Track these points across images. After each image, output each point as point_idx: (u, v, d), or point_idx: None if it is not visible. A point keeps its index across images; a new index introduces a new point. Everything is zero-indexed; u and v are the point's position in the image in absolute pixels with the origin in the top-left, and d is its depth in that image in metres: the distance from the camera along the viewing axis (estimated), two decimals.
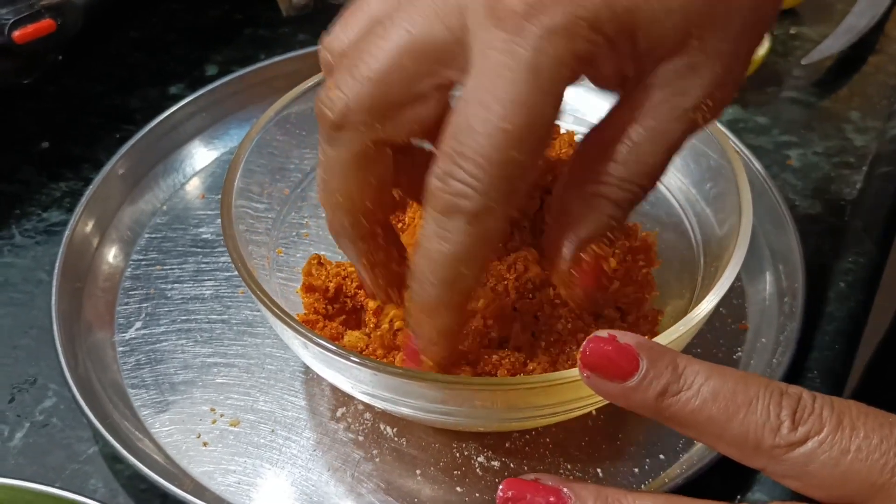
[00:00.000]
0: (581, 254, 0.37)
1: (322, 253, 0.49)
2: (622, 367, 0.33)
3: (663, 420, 0.33)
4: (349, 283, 0.46)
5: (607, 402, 0.42)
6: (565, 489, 0.33)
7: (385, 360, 0.42)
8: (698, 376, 0.32)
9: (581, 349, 0.33)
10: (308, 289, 0.46)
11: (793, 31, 0.73)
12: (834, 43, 0.70)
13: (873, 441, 0.31)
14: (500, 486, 0.33)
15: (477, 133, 0.32)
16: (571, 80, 0.33)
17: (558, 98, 0.33)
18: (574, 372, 0.37)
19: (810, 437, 0.31)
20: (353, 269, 0.46)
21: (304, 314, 0.46)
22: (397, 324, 0.42)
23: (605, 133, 0.36)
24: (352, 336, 0.43)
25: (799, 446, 0.31)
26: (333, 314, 0.46)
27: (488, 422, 0.43)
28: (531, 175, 0.34)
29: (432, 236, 0.34)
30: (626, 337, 0.33)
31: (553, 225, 0.39)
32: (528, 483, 0.34)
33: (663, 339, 0.38)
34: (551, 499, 0.33)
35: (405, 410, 0.41)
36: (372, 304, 0.44)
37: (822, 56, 0.68)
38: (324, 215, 0.53)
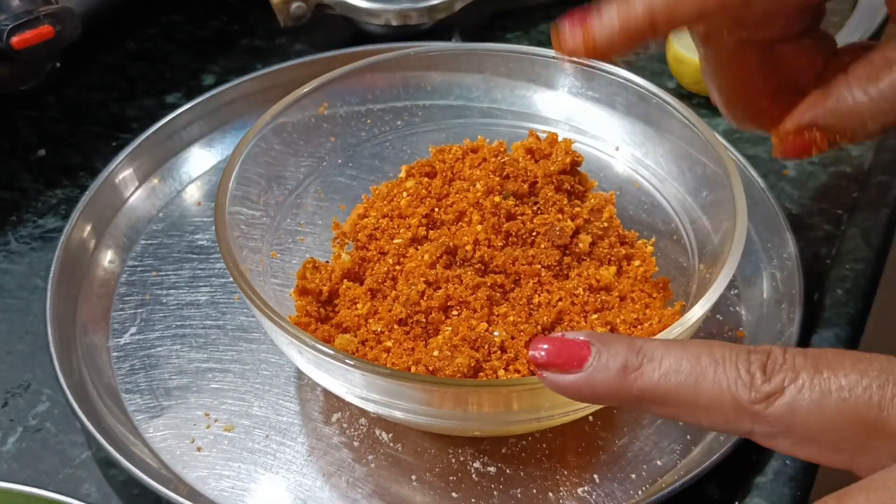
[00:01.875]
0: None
1: (318, 258, 0.49)
2: (574, 353, 0.32)
3: (636, 403, 0.32)
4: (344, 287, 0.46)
5: (601, 406, 0.42)
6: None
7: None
8: (657, 349, 0.32)
9: (530, 352, 0.33)
10: (301, 292, 0.46)
11: None
12: None
13: (852, 377, 0.29)
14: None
15: None
16: None
17: None
18: None
19: (786, 385, 0.30)
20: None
21: (296, 316, 0.45)
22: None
23: None
24: (342, 339, 0.43)
25: (778, 397, 0.30)
26: (326, 317, 0.46)
27: (481, 425, 0.43)
28: None
29: None
30: (572, 333, 0.33)
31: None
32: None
33: None
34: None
35: (398, 414, 0.41)
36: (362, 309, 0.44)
37: None
38: (320, 222, 0.54)
